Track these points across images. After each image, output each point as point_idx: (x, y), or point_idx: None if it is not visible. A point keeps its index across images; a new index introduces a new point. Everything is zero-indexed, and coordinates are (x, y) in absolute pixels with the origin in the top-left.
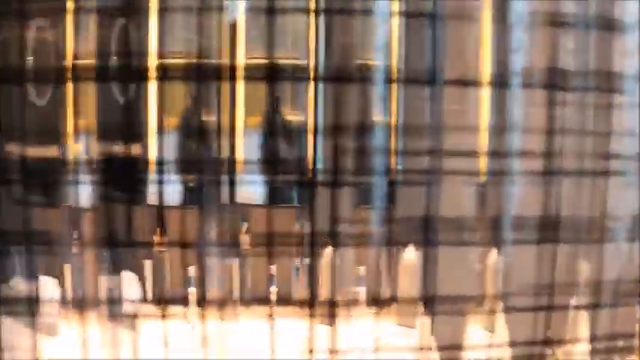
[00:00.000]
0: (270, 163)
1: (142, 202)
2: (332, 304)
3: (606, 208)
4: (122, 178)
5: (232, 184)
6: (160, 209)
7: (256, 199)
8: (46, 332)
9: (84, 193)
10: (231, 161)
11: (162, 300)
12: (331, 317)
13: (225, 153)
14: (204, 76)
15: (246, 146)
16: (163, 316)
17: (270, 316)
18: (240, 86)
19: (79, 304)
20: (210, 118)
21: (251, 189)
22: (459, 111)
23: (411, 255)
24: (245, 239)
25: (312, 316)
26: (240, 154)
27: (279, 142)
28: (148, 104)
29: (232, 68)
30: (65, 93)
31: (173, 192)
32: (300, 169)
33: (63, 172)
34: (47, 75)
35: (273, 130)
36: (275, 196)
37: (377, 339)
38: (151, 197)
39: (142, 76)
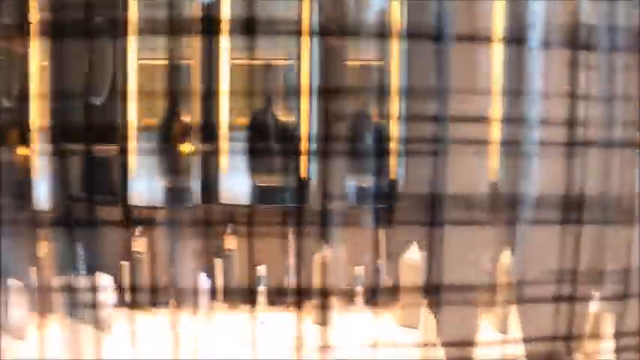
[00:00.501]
0: (260, 161)
1: (120, 201)
2: (324, 301)
3: (636, 185)
4: (99, 175)
5: (217, 182)
6: (142, 209)
7: (244, 199)
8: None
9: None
10: (217, 157)
11: (143, 301)
12: (323, 315)
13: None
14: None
15: (235, 145)
16: (146, 316)
17: (255, 315)
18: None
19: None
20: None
21: (239, 188)
22: (468, 71)
23: (414, 254)
24: (231, 239)
25: (300, 314)
26: (225, 155)
27: (270, 143)
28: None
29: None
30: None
31: (155, 191)
32: (291, 170)
33: (29, 171)
34: None
35: (264, 130)
36: (264, 196)
37: (375, 337)
38: (131, 196)
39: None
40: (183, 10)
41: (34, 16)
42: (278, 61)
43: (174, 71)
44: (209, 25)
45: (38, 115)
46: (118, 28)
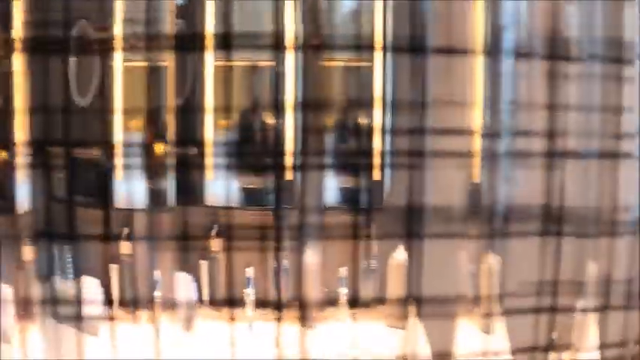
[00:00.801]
0: (245, 163)
1: (108, 203)
2: (305, 306)
3: (617, 197)
4: (84, 177)
5: (203, 184)
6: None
7: (228, 201)
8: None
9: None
10: (202, 160)
11: (129, 303)
12: (305, 320)
13: (197, 151)
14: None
15: (220, 147)
16: (125, 321)
17: (232, 319)
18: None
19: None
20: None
21: (223, 190)
22: (447, 83)
23: (400, 255)
24: (215, 241)
25: (279, 319)
26: (210, 155)
27: (255, 143)
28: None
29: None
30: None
31: (139, 193)
32: (276, 169)
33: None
34: None
35: (249, 131)
36: (249, 198)
37: (356, 343)
38: (117, 198)
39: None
40: (163, 21)
41: (18, 32)
42: (262, 63)
43: (156, 74)
44: (189, 39)
45: (22, 118)
46: (101, 42)
